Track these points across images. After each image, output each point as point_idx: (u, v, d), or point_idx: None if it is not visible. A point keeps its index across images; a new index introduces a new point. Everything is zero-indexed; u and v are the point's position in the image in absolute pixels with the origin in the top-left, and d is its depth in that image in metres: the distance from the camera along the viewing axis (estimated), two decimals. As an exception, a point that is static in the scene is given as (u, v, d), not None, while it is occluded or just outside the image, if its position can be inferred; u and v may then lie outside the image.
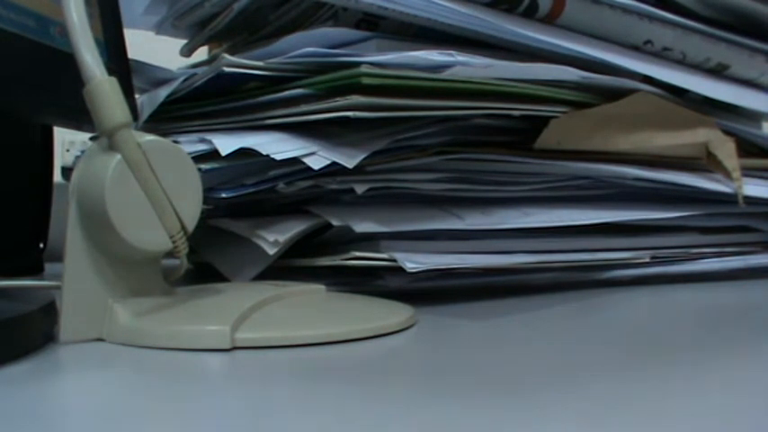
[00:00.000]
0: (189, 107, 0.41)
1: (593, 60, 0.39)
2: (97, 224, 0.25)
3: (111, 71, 0.26)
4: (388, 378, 0.21)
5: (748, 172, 0.43)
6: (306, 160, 0.33)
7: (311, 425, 0.17)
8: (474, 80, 0.34)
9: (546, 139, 0.37)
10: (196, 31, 0.47)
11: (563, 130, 0.37)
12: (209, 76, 0.37)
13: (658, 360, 0.23)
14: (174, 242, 0.26)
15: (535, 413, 0.18)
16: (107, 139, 0.26)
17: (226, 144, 0.34)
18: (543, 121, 0.37)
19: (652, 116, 0.40)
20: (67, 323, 0.25)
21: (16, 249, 0.46)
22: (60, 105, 0.34)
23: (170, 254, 0.27)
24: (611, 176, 0.40)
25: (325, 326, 0.26)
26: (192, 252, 0.29)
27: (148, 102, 0.42)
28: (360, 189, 0.34)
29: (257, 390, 0.20)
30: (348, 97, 0.32)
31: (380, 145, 0.33)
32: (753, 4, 0.43)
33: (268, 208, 0.39)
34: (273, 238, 0.34)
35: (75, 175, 0.26)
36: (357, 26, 0.39)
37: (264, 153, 0.33)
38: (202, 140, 0.36)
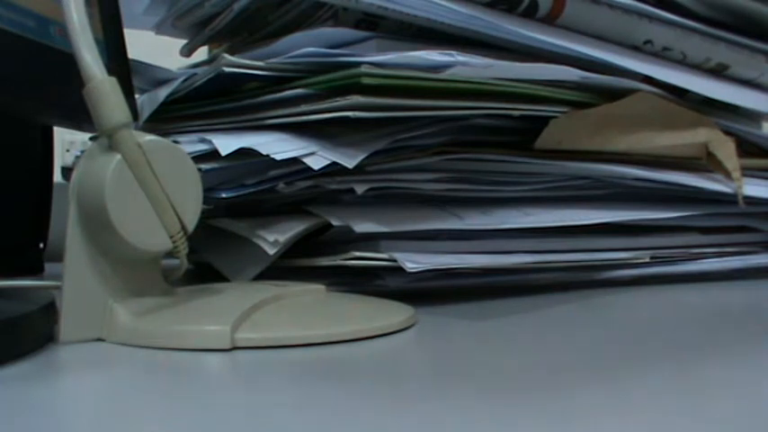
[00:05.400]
0: (189, 107, 0.41)
1: (593, 60, 0.39)
2: (97, 224, 0.25)
3: (111, 71, 0.26)
4: (388, 378, 0.21)
5: (748, 172, 0.43)
6: (306, 160, 0.33)
7: (311, 425, 0.17)
8: (474, 80, 0.34)
9: (546, 139, 0.37)
10: (196, 31, 0.47)
11: (563, 130, 0.37)
12: (209, 76, 0.37)
13: (659, 360, 0.23)
14: (174, 242, 0.26)
15: (535, 413, 0.18)
16: (107, 139, 0.26)
17: (226, 144, 0.34)
18: (543, 121, 0.37)
19: (652, 116, 0.40)
20: (67, 323, 0.25)
21: (16, 249, 0.46)
22: (60, 105, 0.34)
23: (170, 254, 0.27)
24: (611, 176, 0.40)
25: (325, 326, 0.26)
26: (192, 252, 0.29)
27: (148, 102, 0.42)
28: (360, 189, 0.34)
29: (257, 390, 0.20)
30: (348, 97, 0.32)
31: (380, 145, 0.33)
32: (753, 4, 0.43)
33: (268, 208, 0.39)
34: (273, 238, 0.34)
35: (75, 175, 0.26)
36: (357, 26, 0.39)
37: (264, 153, 0.33)
38: (202, 140, 0.36)
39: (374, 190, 0.34)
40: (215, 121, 0.38)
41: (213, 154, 0.35)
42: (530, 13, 0.38)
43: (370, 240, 0.34)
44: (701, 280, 0.42)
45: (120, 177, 0.25)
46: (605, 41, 0.40)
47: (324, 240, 0.36)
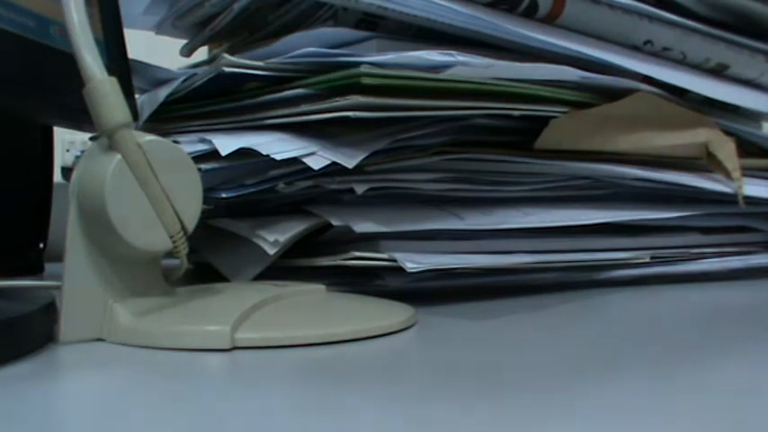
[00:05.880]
0: (189, 107, 0.41)
1: (593, 60, 0.39)
2: (97, 224, 0.25)
3: (111, 71, 0.26)
4: (388, 378, 0.21)
5: (748, 172, 0.43)
6: (306, 160, 0.33)
7: (311, 425, 0.17)
8: (474, 80, 0.34)
9: (546, 139, 0.37)
10: (196, 31, 0.47)
11: (563, 130, 0.37)
12: (210, 76, 0.37)
13: (658, 360, 0.23)
14: (174, 242, 0.26)
15: (535, 413, 0.18)
16: (107, 139, 0.26)
17: (226, 144, 0.34)
18: (543, 121, 0.37)
19: (652, 116, 0.40)
20: (67, 323, 0.25)
21: (16, 249, 0.46)
22: (60, 105, 0.34)
23: (170, 254, 0.27)
24: (611, 176, 0.40)
25: (325, 326, 0.26)
26: (192, 252, 0.29)
27: (148, 102, 0.42)
28: (360, 189, 0.34)
29: (257, 390, 0.20)
30: (348, 97, 0.32)
31: (380, 145, 0.33)
32: (753, 4, 0.43)
33: (268, 208, 0.39)
34: (273, 238, 0.34)
35: (75, 175, 0.26)
36: (357, 26, 0.39)
37: (264, 153, 0.33)
38: (202, 140, 0.36)
39: (374, 190, 0.34)
40: (215, 121, 0.38)
41: (213, 154, 0.35)
42: (530, 14, 0.38)
43: (370, 240, 0.34)
44: (701, 280, 0.42)
45: (120, 177, 0.25)
46: (605, 41, 0.40)
47: (324, 240, 0.36)
